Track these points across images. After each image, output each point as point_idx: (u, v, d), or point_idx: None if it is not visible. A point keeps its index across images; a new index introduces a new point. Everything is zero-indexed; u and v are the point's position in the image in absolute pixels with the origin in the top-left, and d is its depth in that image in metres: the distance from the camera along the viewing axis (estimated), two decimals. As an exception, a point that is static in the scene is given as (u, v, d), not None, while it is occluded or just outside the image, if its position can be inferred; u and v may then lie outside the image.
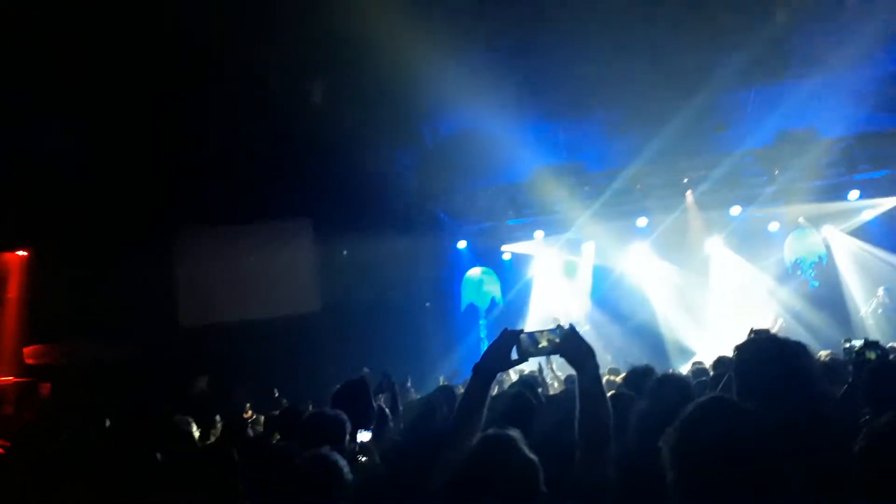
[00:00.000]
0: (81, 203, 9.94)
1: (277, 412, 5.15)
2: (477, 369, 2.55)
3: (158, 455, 3.85)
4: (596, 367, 2.49)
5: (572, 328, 2.55)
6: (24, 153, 9.14)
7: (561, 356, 2.56)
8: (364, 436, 3.51)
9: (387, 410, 4.69)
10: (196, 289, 11.43)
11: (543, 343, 2.54)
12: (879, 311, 11.64)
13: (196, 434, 5.59)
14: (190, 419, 5.35)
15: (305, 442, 3.29)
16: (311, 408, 6.32)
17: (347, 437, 3.42)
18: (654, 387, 3.41)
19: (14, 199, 9.70)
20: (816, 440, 2.25)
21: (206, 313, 11.06)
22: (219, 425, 6.07)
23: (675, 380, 3.53)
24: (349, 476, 2.72)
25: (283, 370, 9.88)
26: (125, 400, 8.37)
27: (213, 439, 5.86)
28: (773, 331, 11.02)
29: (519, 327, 2.64)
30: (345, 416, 3.47)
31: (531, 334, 2.55)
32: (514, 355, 2.54)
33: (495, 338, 2.61)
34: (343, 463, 2.73)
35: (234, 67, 8.48)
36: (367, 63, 8.62)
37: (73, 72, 8.43)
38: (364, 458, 3.42)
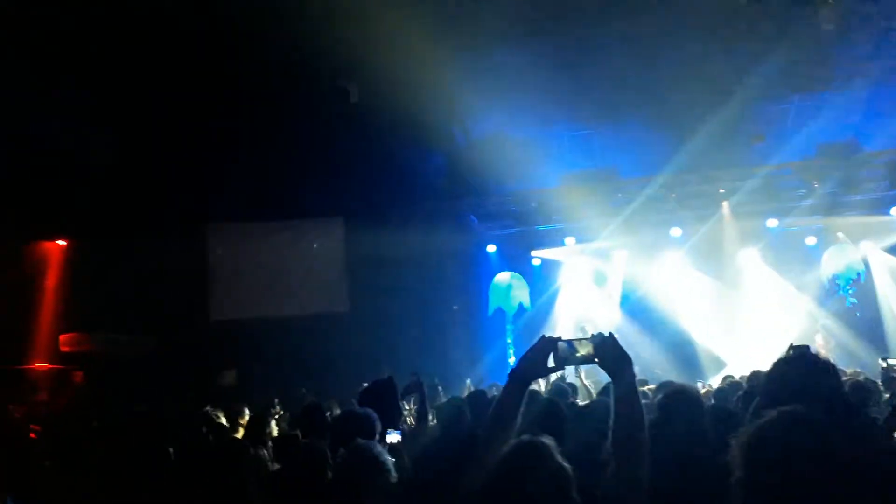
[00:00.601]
0: (119, 196, 10.13)
1: (303, 408, 5.17)
2: (513, 374, 2.53)
3: (171, 451, 3.89)
4: (633, 376, 2.46)
5: (611, 336, 2.52)
6: (64, 146, 9.33)
7: (599, 365, 2.53)
8: (393, 437, 3.50)
9: (413, 413, 4.68)
10: (228, 284, 11.57)
11: (581, 351, 2.51)
12: None
13: (224, 423, 5.66)
14: (219, 412, 5.40)
15: (336, 440, 3.29)
16: (335, 407, 6.36)
17: (377, 436, 3.41)
18: (663, 401, 3.37)
19: (54, 190, 9.92)
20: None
21: (237, 308, 11.19)
22: (246, 418, 6.15)
23: (685, 394, 3.48)
24: (392, 470, 2.72)
25: (310, 368, 9.96)
26: (155, 390, 8.51)
27: (239, 432, 5.93)
28: (823, 352, 10.87)
29: (546, 334, 2.61)
30: (375, 416, 3.47)
31: (569, 342, 2.52)
32: (551, 363, 2.51)
33: (532, 344, 2.58)
34: (386, 457, 2.73)
35: (271, 64, 8.56)
36: (403, 63, 8.63)
37: (112, 65, 8.57)
38: (393, 460, 3.42)
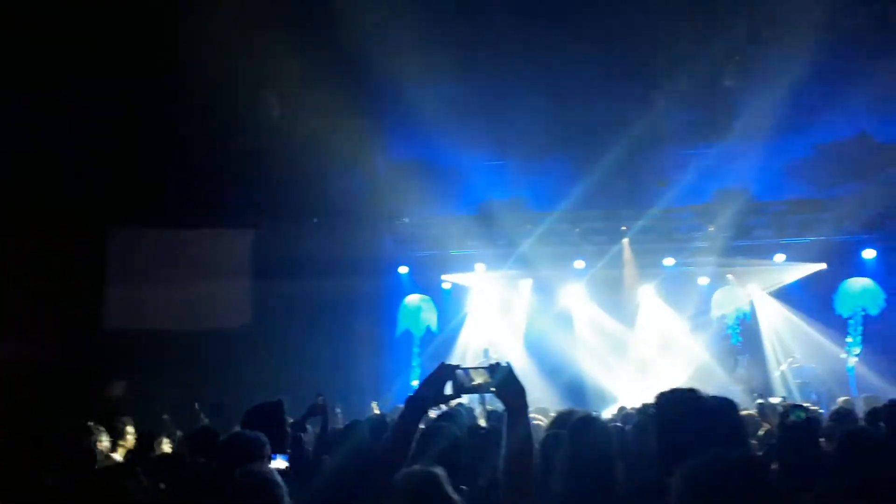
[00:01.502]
0: (11, 189, 9.51)
1: (196, 430, 4.99)
2: (410, 401, 2.55)
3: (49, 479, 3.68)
4: (526, 408, 2.53)
5: (509, 367, 2.57)
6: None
7: (495, 394, 2.59)
8: (279, 462, 3.43)
9: (301, 437, 4.60)
10: (125, 290, 11.03)
11: (478, 380, 2.55)
12: (793, 376, 12.15)
13: (106, 444, 5.35)
14: (101, 428, 5.12)
15: (223, 462, 3.20)
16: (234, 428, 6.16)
17: (265, 460, 3.34)
18: (577, 428, 3.48)
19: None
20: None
21: (133, 317, 10.67)
22: (129, 436, 5.84)
23: (596, 424, 3.61)
24: (285, 497, 2.68)
25: (206, 386, 9.61)
26: (38, 404, 8.00)
27: (119, 452, 5.63)
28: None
29: (452, 359, 2.65)
30: (265, 439, 3.40)
31: (466, 370, 2.56)
32: (449, 390, 2.55)
33: (432, 370, 2.62)
34: (281, 482, 2.69)
35: (194, 67, 8.35)
36: (327, 83, 8.63)
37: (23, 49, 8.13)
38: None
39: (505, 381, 2.51)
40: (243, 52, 7.89)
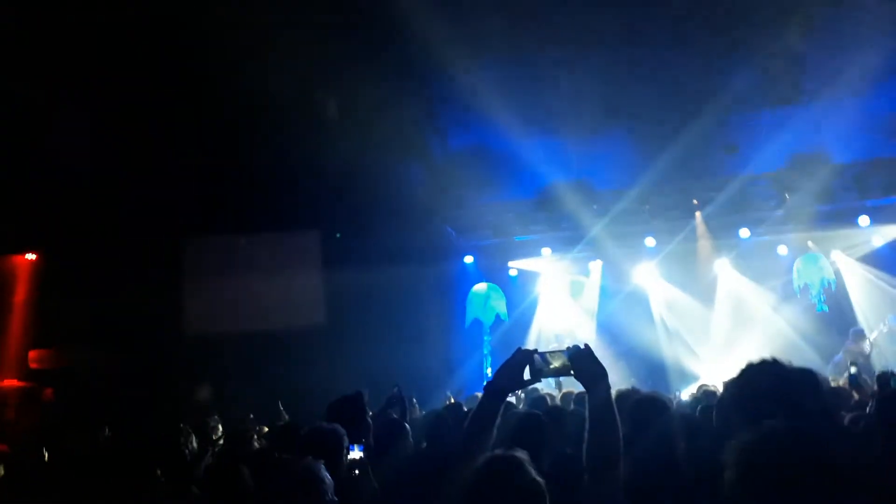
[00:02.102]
0: (91, 208, 9.98)
1: (279, 427, 5.11)
2: (489, 388, 2.53)
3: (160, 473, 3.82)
4: (608, 388, 2.47)
5: (587, 348, 2.53)
6: (34, 155, 9.18)
7: (574, 377, 2.53)
8: (355, 453, 3.48)
9: (399, 421, 4.63)
10: (202, 298, 11.42)
11: (555, 363, 2.52)
12: (887, 338, 11.52)
13: (195, 445, 5.53)
14: (190, 431, 5.28)
15: (303, 456, 3.26)
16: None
17: (345, 451, 3.39)
18: (632, 410, 3.39)
19: (24, 201, 9.75)
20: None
21: (211, 323, 11.05)
22: (220, 434, 6.04)
23: (652, 403, 3.50)
24: (329, 489, 2.71)
25: (286, 383, 9.84)
26: (127, 407, 8.37)
27: (214, 449, 5.83)
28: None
29: (523, 346, 2.63)
30: (342, 431, 3.45)
31: (543, 354, 2.53)
32: (527, 375, 2.52)
33: (509, 356, 2.59)
34: (324, 475, 2.72)
35: (247, 77, 8.53)
36: (380, 78, 8.66)
37: (86, 72, 8.48)
38: (357, 472, 3.42)
39: (584, 364, 2.47)
40: (296, 51, 7.98)
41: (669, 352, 12.88)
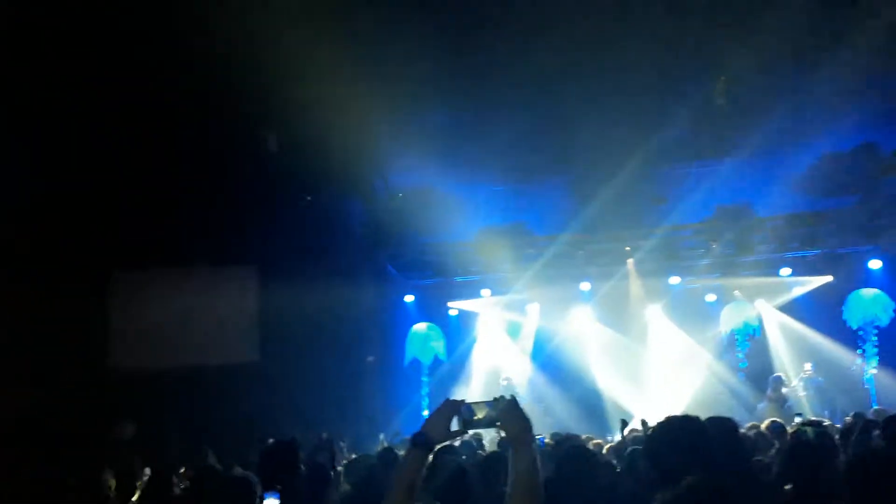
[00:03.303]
0: (10, 234, 9.57)
1: (199, 471, 4.98)
2: (415, 440, 2.52)
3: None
4: (531, 440, 2.49)
5: (513, 400, 2.55)
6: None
7: (500, 429, 2.56)
8: (271, 501, 3.45)
9: (326, 469, 4.58)
10: (128, 331, 11.05)
11: (480, 415, 2.54)
12: (804, 389, 12.01)
13: (112, 486, 5.32)
14: (110, 475, 5.09)
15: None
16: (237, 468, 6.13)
17: (257, 500, 3.36)
18: (559, 459, 3.47)
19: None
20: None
21: (139, 358, 10.68)
22: (144, 478, 5.82)
23: (578, 454, 3.59)
24: None
25: (216, 422, 9.56)
26: (45, 449, 7.97)
27: (135, 494, 5.61)
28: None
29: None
30: (254, 479, 3.43)
31: (469, 406, 2.54)
32: (455, 426, 2.53)
33: (437, 405, 2.60)
34: None
35: (188, 108, 8.44)
36: (323, 114, 8.70)
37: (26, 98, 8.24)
38: None
39: (508, 415, 2.49)
40: (242, 88, 7.97)
41: (606, 393, 13.10)
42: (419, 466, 2.47)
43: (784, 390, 11.65)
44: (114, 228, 10.11)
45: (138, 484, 5.71)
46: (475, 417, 2.51)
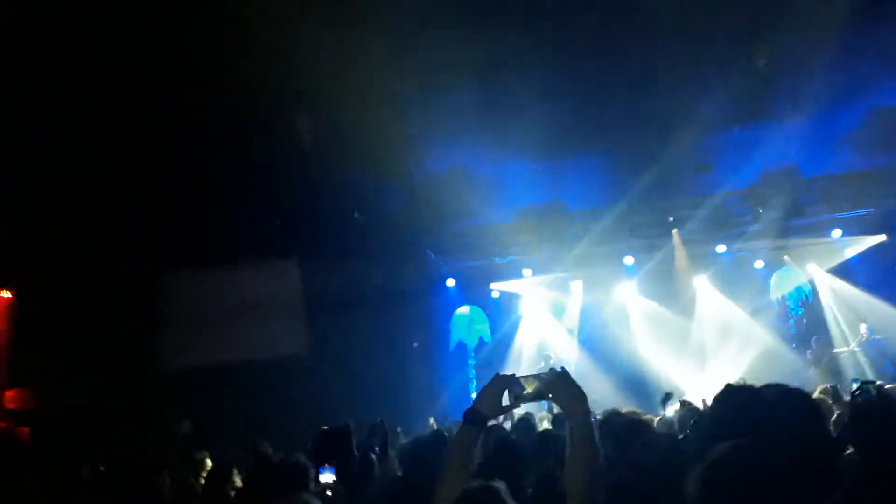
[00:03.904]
0: (65, 242, 9.86)
1: (255, 461, 5.08)
2: (467, 416, 2.51)
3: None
4: (586, 412, 2.46)
5: (563, 372, 2.52)
6: (4, 188, 9.06)
7: (553, 401, 2.53)
8: (327, 476, 3.50)
9: (373, 458, 4.62)
10: (179, 330, 11.30)
11: (530, 389, 2.51)
12: (861, 348, 11.71)
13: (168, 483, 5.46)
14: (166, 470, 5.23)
15: (272, 492, 3.29)
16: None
17: (311, 482, 3.38)
18: (617, 435, 3.41)
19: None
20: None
21: (189, 355, 10.92)
22: (204, 472, 5.96)
23: (637, 426, 3.52)
24: None
25: (267, 414, 9.74)
26: (106, 446, 8.23)
27: (197, 487, 5.75)
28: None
29: (507, 367, 2.63)
30: (306, 462, 3.47)
31: (518, 380, 2.52)
32: (506, 400, 2.51)
33: (487, 383, 2.59)
34: None
35: (223, 103, 8.51)
36: (358, 100, 8.70)
37: (56, 104, 8.41)
38: (329, 493, 3.43)
39: (561, 388, 2.47)
40: (270, 82, 8.00)
41: (652, 368, 12.94)
42: (472, 443, 2.47)
43: (828, 349, 11.42)
44: (158, 231, 10.32)
45: (203, 473, 5.86)
46: (525, 391, 2.49)
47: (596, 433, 2.45)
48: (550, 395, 2.51)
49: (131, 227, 9.97)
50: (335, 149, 9.40)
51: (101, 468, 5.85)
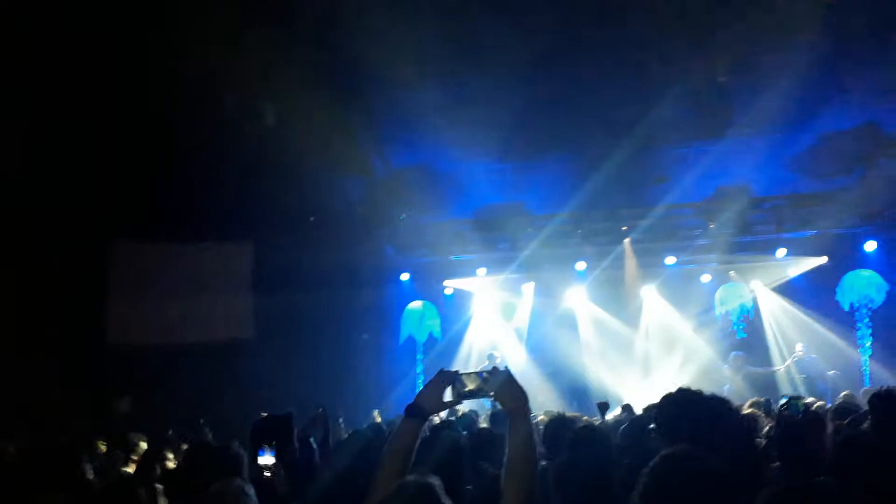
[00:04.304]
0: (11, 209, 9.54)
1: (193, 446, 5.01)
2: (409, 410, 2.52)
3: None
4: (528, 413, 2.49)
5: (507, 372, 2.54)
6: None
7: (495, 400, 2.56)
8: (266, 459, 3.50)
9: (313, 447, 4.59)
10: (126, 306, 11.04)
11: (471, 386, 2.53)
12: (798, 365, 12.14)
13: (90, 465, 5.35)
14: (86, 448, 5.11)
15: (205, 477, 3.26)
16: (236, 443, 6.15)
17: (245, 469, 3.41)
18: (572, 440, 3.48)
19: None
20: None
21: (135, 332, 10.68)
22: (139, 450, 5.86)
23: (595, 434, 3.60)
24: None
25: (211, 397, 9.60)
26: (42, 417, 8.01)
27: (130, 466, 5.65)
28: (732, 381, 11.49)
29: (455, 364, 2.65)
30: (240, 450, 3.50)
31: (460, 376, 2.53)
32: (449, 396, 2.52)
33: (430, 377, 2.60)
34: (253, 496, 2.72)
35: (184, 84, 8.35)
36: (323, 90, 8.63)
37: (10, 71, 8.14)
38: (268, 475, 3.44)
39: (503, 386, 2.49)
40: (238, 63, 7.88)
41: (595, 374, 13.16)
42: (413, 437, 2.48)
43: (753, 369, 11.87)
44: (110, 202, 10.05)
45: (134, 457, 5.75)
46: (468, 388, 2.51)
47: (536, 435, 2.49)
48: (493, 394, 2.53)
49: (85, 195, 9.70)
50: (297, 138, 9.31)
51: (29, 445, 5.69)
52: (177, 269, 11.35)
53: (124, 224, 10.62)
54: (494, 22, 7.73)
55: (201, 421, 7.73)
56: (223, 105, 9.15)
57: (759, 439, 5.17)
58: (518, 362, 13.37)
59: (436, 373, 2.60)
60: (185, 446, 6.31)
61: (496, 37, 7.86)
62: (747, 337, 13.38)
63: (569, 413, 7.70)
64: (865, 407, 5.90)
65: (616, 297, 13.53)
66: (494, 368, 2.59)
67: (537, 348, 13.76)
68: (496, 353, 13.34)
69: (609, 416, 7.08)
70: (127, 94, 8.50)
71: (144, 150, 9.54)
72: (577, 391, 12.13)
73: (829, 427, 4.56)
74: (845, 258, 12.76)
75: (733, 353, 12.40)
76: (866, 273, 12.55)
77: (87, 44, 7.69)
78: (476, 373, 2.53)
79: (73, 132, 8.90)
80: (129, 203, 10.17)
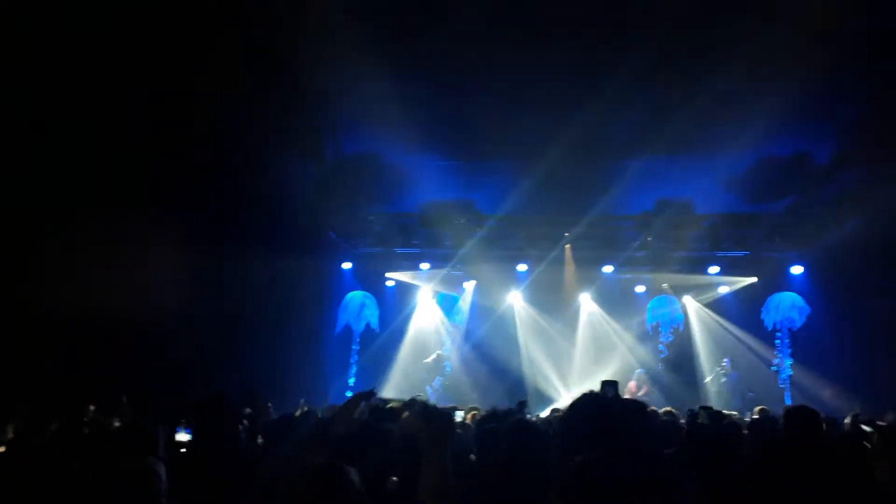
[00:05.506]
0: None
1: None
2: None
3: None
4: (444, 444, 2.45)
5: (424, 406, 2.58)
6: None
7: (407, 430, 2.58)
8: (183, 435, 3.51)
9: (240, 429, 4.56)
10: (60, 273, 10.62)
11: (395, 406, 2.58)
12: (722, 379, 12.63)
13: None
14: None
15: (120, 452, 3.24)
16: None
17: (161, 447, 3.42)
18: (514, 429, 3.56)
19: None
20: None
21: (65, 302, 10.29)
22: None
23: (532, 428, 3.69)
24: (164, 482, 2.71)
25: (139, 375, 9.36)
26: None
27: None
28: (637, 393, 11.85)
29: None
30: (153, 427, 3.50)
31: (381, 400, 2.59)
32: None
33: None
34: (162, 473, 2.70)
35: (134, 51, 8.11)
36: (276, 68, 8.51)
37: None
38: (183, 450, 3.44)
39: (417, 421, 2.51)
40: (184, 42, 7.71)
41: (530, 375, 13.40)
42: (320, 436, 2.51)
43: (643, 384, 12.33)
44: (43, 167, 9.67)
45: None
46: (385, 406, 2.56)
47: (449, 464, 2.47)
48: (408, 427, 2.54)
49: (18, 163, 9.31)
50: (251, 114, 9.15)
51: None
52: (115, 238, 10.97)
53: (63, 190, 10.23)
54: (449, 21, 7.74)
55: (123, 399, 7.55)
56: (165, 82, 8.89)
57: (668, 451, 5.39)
58: (457, 358, 13.52)
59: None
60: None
61: (450, 36, 7.87)
62: (674, 350, 13.82)
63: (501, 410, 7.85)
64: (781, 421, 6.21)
65: (554, 301, 13.82)
66: (413, 399, 2.63)
67: (476, 346, 13.91)
68: (440, 353, 13.46)
69: (542, 414, 7.23)
70: (71, 58, 8.20)
71: (82, 115, 9.21)
72: (513, 391, 12.34)
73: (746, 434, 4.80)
74: (773, 280, 13.31)
75: (637, 371, 12.83)
76: (791, 296, 13.12)
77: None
78: (399, 400, 2.60)
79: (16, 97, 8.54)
80: (61, 173, 9.79)
